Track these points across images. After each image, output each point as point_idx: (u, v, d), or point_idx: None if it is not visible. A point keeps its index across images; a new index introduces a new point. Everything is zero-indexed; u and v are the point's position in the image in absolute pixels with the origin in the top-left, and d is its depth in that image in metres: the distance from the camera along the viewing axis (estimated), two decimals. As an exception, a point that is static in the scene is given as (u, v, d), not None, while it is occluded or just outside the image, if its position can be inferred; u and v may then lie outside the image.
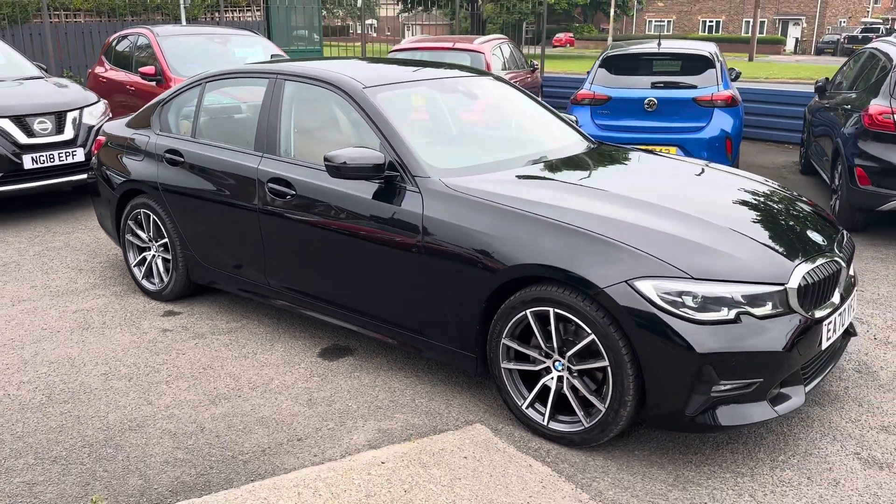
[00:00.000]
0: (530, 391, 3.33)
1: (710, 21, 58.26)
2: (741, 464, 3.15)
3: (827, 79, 8.44)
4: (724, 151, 7.50)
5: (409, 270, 3.57)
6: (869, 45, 7.62)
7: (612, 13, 41.04)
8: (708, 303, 2.90)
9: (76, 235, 6.60)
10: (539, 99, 4.90)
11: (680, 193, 3.66)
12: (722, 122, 7.55)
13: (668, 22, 60.13)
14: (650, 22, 60.81)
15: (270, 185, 4.08)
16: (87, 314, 4.82)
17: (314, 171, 3.91)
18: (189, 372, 4.02)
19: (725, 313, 2.90)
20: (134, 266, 5.13)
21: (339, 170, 3.56)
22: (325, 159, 3.58)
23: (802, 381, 3.15)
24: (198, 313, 4.81)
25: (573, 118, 4.91)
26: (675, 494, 2.95)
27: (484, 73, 4.89)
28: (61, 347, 4.32)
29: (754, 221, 3.38)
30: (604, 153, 4.32)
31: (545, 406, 3.28)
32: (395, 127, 3.76)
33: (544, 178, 3.71)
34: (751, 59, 38.47)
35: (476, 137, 4.45)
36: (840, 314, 3.30)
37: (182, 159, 4.61)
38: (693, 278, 2.92)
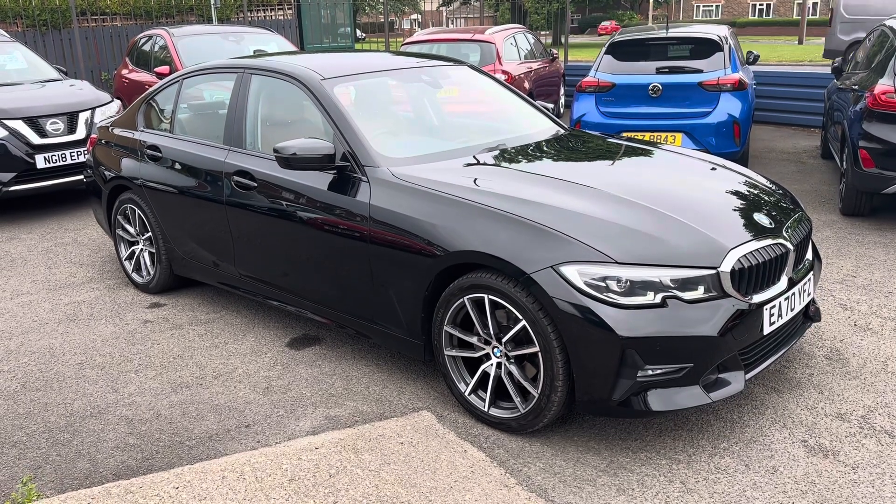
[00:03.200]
0: (473, 377, 3.34)
1: (761, 4, 56.76)
2: (680, 450, 3.11)
3: (844, 59, 8.17)
4: (731, 136, 7.35)
5: (358, 259, 3.61)
6: (883, 23, 7.34)
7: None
8: (635, 287, 2.87)
9: (85, 232, 6.83)
10: (513, 88, 4.88)
11: (628, 179, 3.61)
12: (729, 107, 7.39)
13: (717, 7, 58.78)
14: (698, 7, 59.51)
15: (236, 178, 4.17)
16: (78, 306, 4.99)
17: (274, 163, 3.97)
18: (159, 361, 4.13)
19: (651, 297, 2.86)
20: (125, 260, 5.29)
21: (288, 161, 3.62)
22: (275, 150, 3.64)
23: (743, 366, 3.09)
24: (181, 305, 4.94)
25: (549, 106, 4.87)
26: (603, 480, 2.93)
27: (458, 62, 4.89)
28: (45, 338, 4.49)
29: (697, 206, 3.31)
30: (567, 140, 4.28)
31: (487, 392, 3.28)
32: (347, 117, 3.80)
33: (491, 166, 3.70)
34: (800, 42, 37.32)
35: (435, 126, 4.46)
36: (787, 299, 3.22)
37: (160, 155, 4.74)
38: (618, 263, 2.88)
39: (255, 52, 9.11)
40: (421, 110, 4.51)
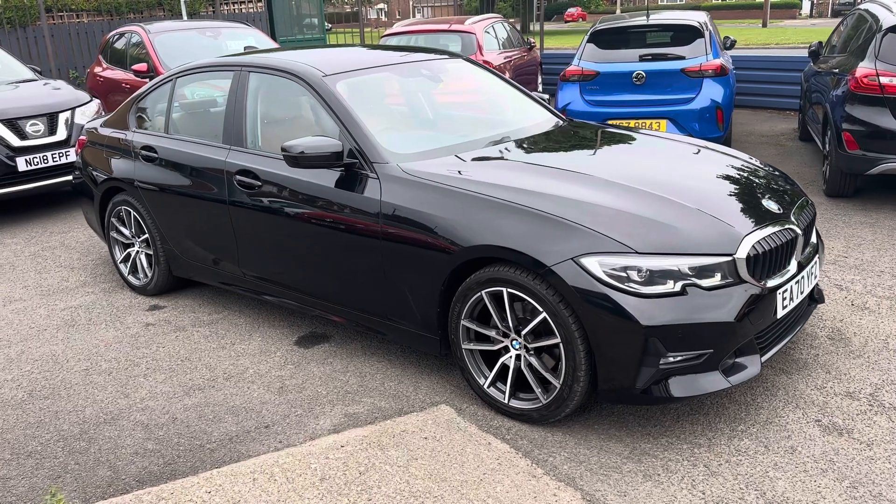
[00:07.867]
0: (491, 370, 3.36)
1: (725, -12, 57.20)
2: (700, 434, 3.17)
3: (820, 42, 8.31)
4: (714, 122, 7.44)
5: (371, 256, 3.61)
6: (859, 7, 7.48)
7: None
8: (655, 276, 2.91)
9: (72, 234, 6.72)
10: (509, 79, 4.89)
11: (636, 169, 3.65)
12: (712, 92, 7.48)
13: (682, -10, 59.06)
14: (662, -9, 59.79)
15: (238, 177, 4.14)
16: (75, 311, 4.92)
17: (279, 162, 3.95)
18: (167, 364, 4.10)
19: (671, 286, 2.91)
20: (120, 262, 5.23)
21: (296, 160, 3.60)
22: (283, 149, 3.62)
23: (758, 350, 3.15)
24: (181, 306, 4.90)
25: (545, 97, 4.90)
26: (629, 466, 2.98)
27: (454, 55, 4.89)
28: (46, 345, 4.43)
29: (707, 193, 3.36)
30: (568, 131, 4.31)
31: (506, 384, 3.31)
32: (353, 114, 3.79)
33: (500, 159, 3.72)
34: (764, 25, 37.82)
35: (439, 121, 4.46)
36: (797, 282, 3.29)
37: (156, 155, 4.68)
38: (638, 253, 2.92)
39: (245, 48, 9.04)
40: (423, 105, 4.50)
